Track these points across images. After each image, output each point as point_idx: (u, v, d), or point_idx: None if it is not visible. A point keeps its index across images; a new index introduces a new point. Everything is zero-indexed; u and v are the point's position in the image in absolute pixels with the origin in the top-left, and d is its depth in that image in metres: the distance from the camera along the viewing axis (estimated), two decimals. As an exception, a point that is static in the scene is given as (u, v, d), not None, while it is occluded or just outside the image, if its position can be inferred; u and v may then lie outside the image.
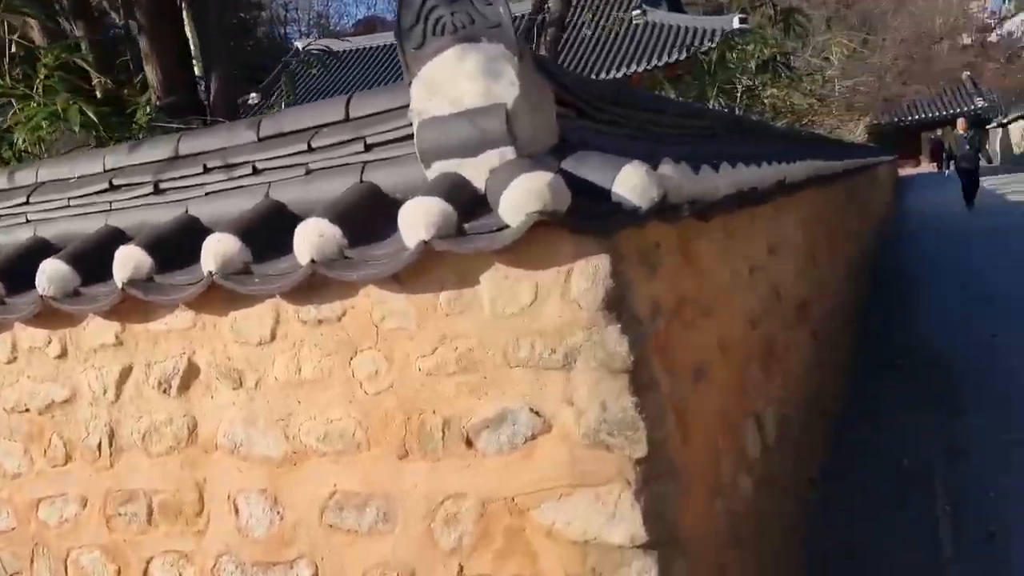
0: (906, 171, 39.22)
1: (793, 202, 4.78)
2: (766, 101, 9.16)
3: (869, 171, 13.58)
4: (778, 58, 8.03)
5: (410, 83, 2.02)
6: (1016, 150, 34.96)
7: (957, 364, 5.69)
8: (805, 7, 23.88)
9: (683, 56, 18.70)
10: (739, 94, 7.73)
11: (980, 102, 44.07)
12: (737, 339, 2.90)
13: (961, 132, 17.83)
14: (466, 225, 1.86)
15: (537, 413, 1.91)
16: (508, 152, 1.90)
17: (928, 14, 30.23)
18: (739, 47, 9.25)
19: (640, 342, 1.87)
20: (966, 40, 47.06)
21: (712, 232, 2.73)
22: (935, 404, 4.94)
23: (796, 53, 16.77)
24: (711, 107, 7.28)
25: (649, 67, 25.18)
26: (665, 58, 25.09)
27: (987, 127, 45.85)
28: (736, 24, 24.62)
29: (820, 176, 5.69)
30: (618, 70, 25.85)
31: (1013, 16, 76.28)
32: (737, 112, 7.42)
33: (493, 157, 1.91)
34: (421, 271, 1.97)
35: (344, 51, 33.25)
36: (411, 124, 2.02)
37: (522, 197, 1.75)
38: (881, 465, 4.10)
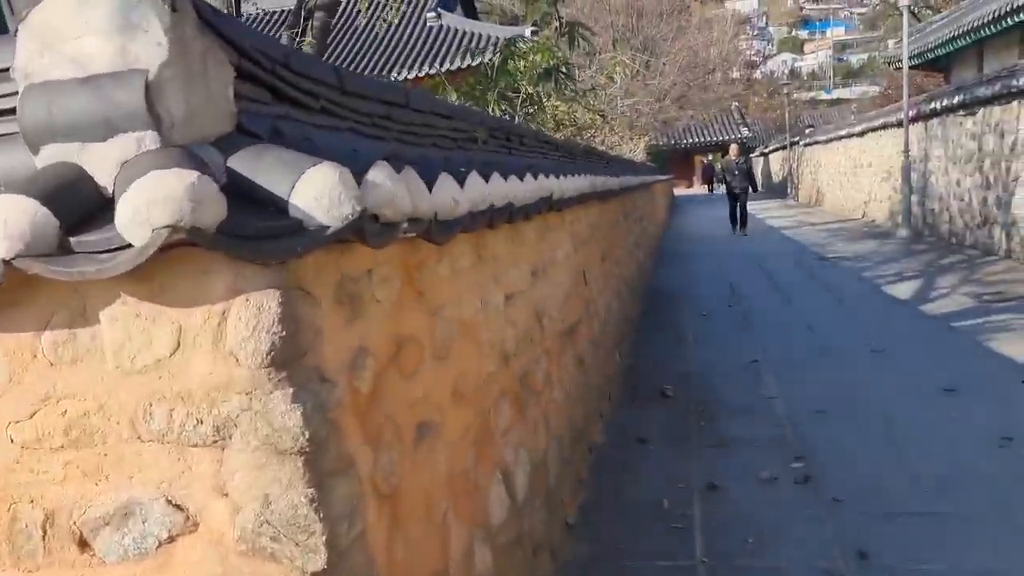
0: (680, 190, 41.74)
1: (565, 219, 4.49)
2: (548, 112, 8.99)
3: (647, 189, 13.97)
4: (561, 68, 7.84)
5: (15, 31, 1.41)
6: (775, 178, 38.06)
7: (721, 394, 5.66)
8: (594, 27, 24.59)
9: (474, 62, 18.52)
10: (520, 102, 7.47)
11: (745, 131, 47.89)
12: (483, 380, 2.48)
13: (733, 158, 18.40)
14: (73, 240, 1.28)
15: (177, 507, 1.37)
16: (149, 139, 1.34)
17: (703, 45, 32.20)
18: (523, 55, 9.04)
19: (324, 410, 1.37)
20: (735, 74, 51.02)
21: (456, 256, 2.29)
22: (701, 437, 4.82)
23: (582, 69, 17.10)
24: (487, 113, 6.98)
25: (440, 70, 24.90)
26: (457, 62, 24.93)
27: (750, 155, 49.88)
28: (527, 34, 25.15)
29: (597, 192, 5.49)
30: (409, 71, 25.40)
31: (775, 56, 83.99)
32: (514, 120, 7.16)
33: (128, 144, 1.35)
34: (11, 302, 1.36)
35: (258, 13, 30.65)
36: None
37: (146, 205, 1.19)
38: (641, 505, 3.86)
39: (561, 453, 3.62)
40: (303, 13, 6.13)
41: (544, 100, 9.40)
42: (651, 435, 4.85)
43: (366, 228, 1.43)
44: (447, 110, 3.07)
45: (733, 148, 19.07)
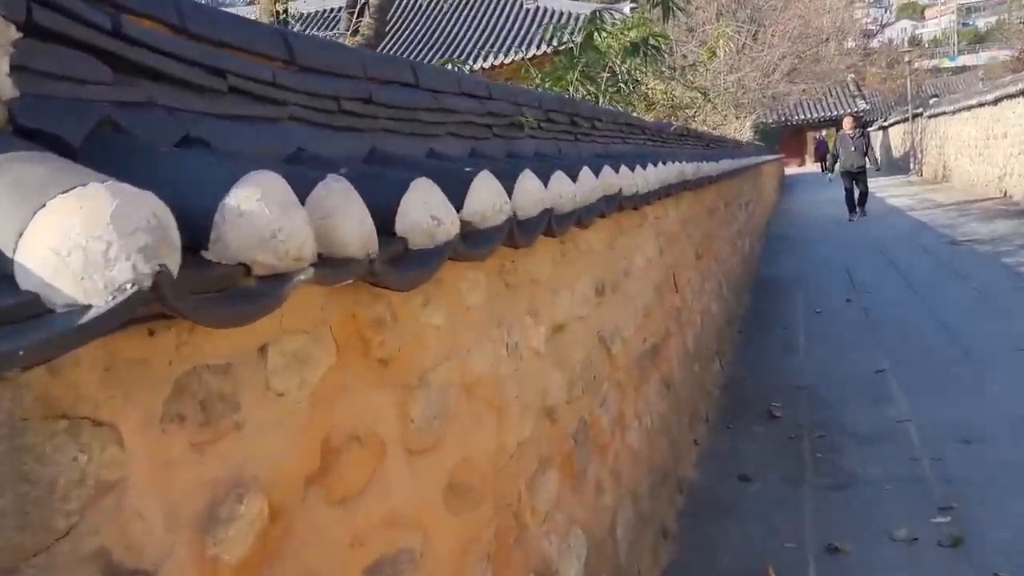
0: (791, 169, 39.74)
1: (647, 216, 3.75)
2: (640, 92, 8.18)
3: (753, 170, 12.93)
4: (649, 40, 7.03)
5: None
6: (895, 153, 35.71)
7: (840, 414, 4.81)
8: (697, 1, 23.40)
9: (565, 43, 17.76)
10: (605, 82, 6.71)
11: (862, 104, 45.19)
12: (509, 456, 1.81)
13: (848, 132, 16.03)
14: None
15: None
16: None
17: (815, 14, 30.30)
18: (614, 30, 8.26)
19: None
20: (850, 44, 48.24)
21: (457, 293, 1.63)
22: (817, 474, 4.01)
23: (682, 44, 16.07)
24: (570, 93, 6.26)
25: (539, 53, 24.22)
26: (554, 44, 24.02)
27: (867, 129, 47.11)
28: (627, 11, 24.10)
29: (689, 181, 4.70)
30: (505, 55, 24.81)
31: (893, 23, 79.46)
32: (599, 102, 6.41)
33: None
34: None
35: (308, 13, 31.18)
36: None
37: None
38: (741, 566, 3.12)
39: (637, 511, 2.92)
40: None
41: (637, 78, 8.60)
42: (754, 470, 4.07)
43: (177, 302, 0.77)
44: (477, 88, 2.40)
45: (847, 120, 16.53)
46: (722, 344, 6.00)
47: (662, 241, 4.10)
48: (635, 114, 7.61)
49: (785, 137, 42.60)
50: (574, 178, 2.26)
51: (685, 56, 13.71)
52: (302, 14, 31.11)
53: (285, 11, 4.96)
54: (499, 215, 1.60)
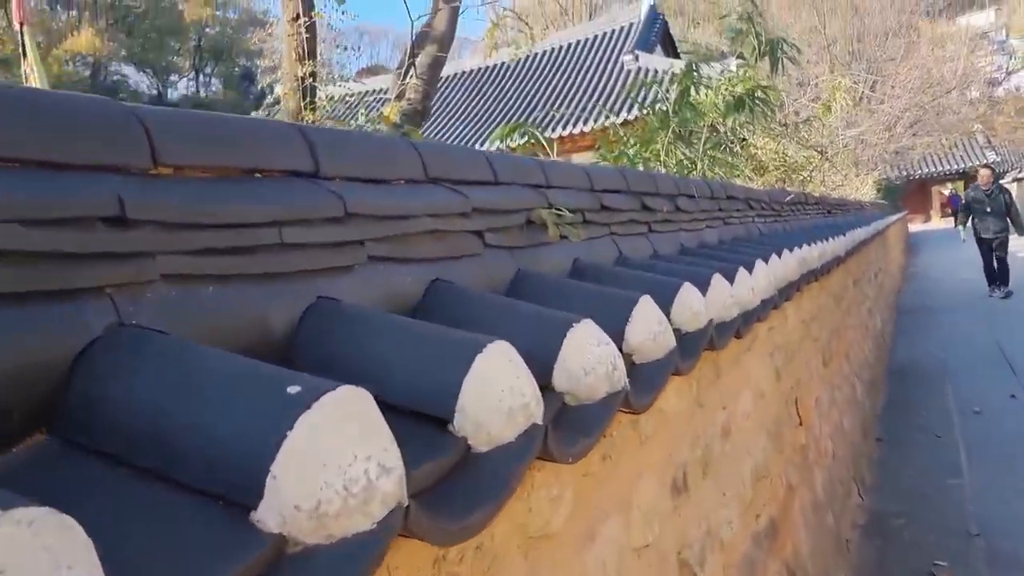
0: (915, 226, 37.21)
1: (757, 334, 2.69)
2: (746, 151, 7.11)
3: (880, 235, 11.52)
4: (755, 93, 6.00)
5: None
6: (1032, 207, 32.95)
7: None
8: (807, 52, 22.18)
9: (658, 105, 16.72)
10: (704, 142, 5.67)
11: (992, 156, 42.25)
12: None
13: (983, 187, 13.09)
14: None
15: None
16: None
17: (936, 65, 28.42)
18: (715, 85, 7.29)
19: None
20: (974, 93, 45.52)
21: None
22: None
23: (793, 99, 14.87)
24: (662, 160, 5.28)
25: (640, 114, 23.31)
26: (645, 105, 23.07)
27: (1001, 182, 44.03)
28: (734, 68, 22.97)
29: (814, 271, 3.60)
30: (606, 119, 24.03)
31: (1020, 71, 75.15)
32: (696, 168, 5.37)
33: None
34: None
35: (349, 94, 31.84)
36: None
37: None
38: None
39: None
40: (410, 52, 4.77)
41: (743, 136, 7.56)
42: None
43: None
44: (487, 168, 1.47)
45: (983, 173, 13.54)
46: (859, 466, 4.77)
47: (779, 359, 3.00)
48: (740, 180, 6.55)
49: (908, 192, 40.16)
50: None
51: (797, 112, 12.52)
52: (356, 93, 31.47)
53: (312, 92, 4.22)
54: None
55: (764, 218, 4.32)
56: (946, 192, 48.07)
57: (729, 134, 6.62)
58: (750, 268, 2.32)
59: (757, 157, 7.70)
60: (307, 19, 4.24)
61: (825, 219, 7.05)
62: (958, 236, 28.19)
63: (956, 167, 42.60)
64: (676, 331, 1.57)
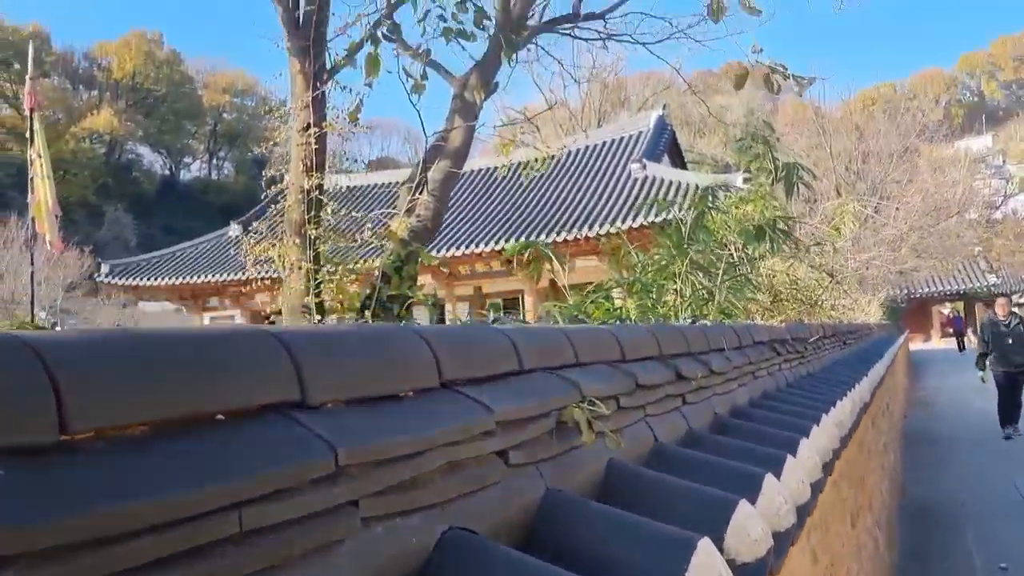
0: (916, 345, 36.95)
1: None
2: (756, 271, 6.91)
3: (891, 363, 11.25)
4: (778, 223, 5.83)
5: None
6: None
7: None
8: (815, 171, 22.38)
9: (671, 215, 16.71)
10: (721, 271, 5.45)
11: (992, 279, 42.41)
12: None
13: (1001, 316, 12.44)
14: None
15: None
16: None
17: (938, 188, 28.74)
18: (728, 206, 7.15)
19: None
20: (972, 215, 46.06)
21: None
22: None
23: (800, 219, 14.84)
24: (678, 288, 5.06)
25: (646, 223, 23.46)
26: (663, 215, 23.21)
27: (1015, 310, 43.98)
28: (740, 182, 23.13)
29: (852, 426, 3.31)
30: (612, 224, 24.09)
31: (1018, 194, 76.46)
32: (714, 299, 5.14)
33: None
34: None
35: (356, 186, 32.12)
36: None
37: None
38: None
39: None
40: (422, 166, 4.61)
41: (756, 259, 7.38)
42: None
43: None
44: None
45: (1000, 303, 12.99)
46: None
47: (814, 540, 2.69)
48: (754, 307, 6.33)
49: (909, 311, 40.12)
50: None
51: (804, 234, 12.44)
52: (366, 185, 31.59)
53: (319, 187, 4.04)
54: None
55: (789, 362, 4.06)
56: (946, 311, 48.08)
57: (743, 257, 6.44)
58: (794, 448, 2.05)
59: (770, 282, 7.49)
60: (317, 129, 4.10)
61: (842, 350, 6.80)
62: (961, 357, 27.76)
63: (957, 288, 42.73)
64: (730, 562, 1.29)
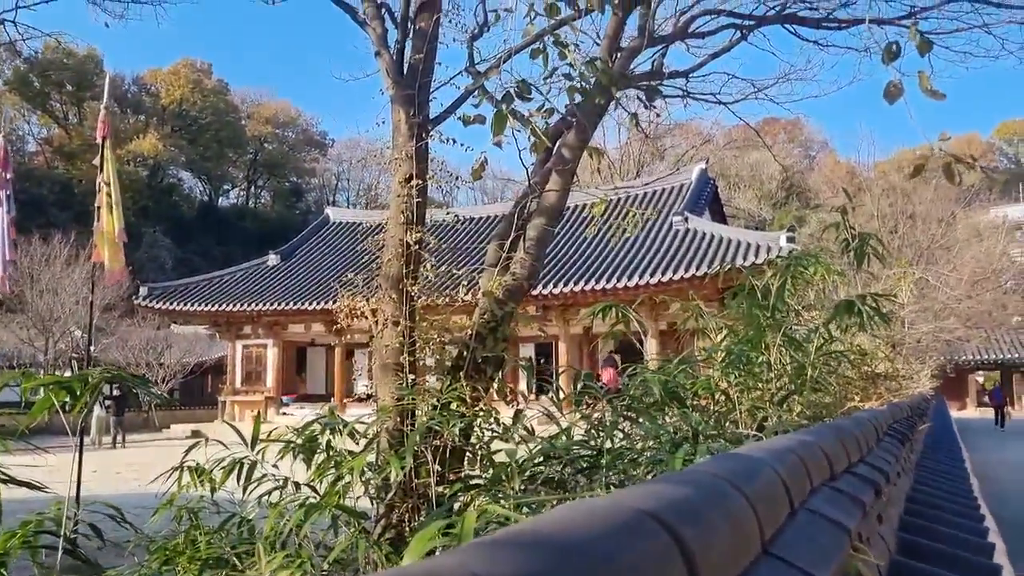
0: (952, 412, 36.09)
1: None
2: (843, 352, 6.67)
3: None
4: (867, 300, 5.61)
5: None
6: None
7: None
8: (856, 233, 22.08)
9: (724, 269, 16.43)
10: (815, 346, 5.24)
11: (1031, 350, 41.52)
12: None
13: None
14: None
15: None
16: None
17: (986, 257, 28.30)
18: (802, 273, 6.95)
19: None
20: (1008, 283, 45.25)
21: None
22: None
23: (847, 283, 14.55)
24: (771, 362, 4.87)
25: (686, 276, 23.25)
26: (704, 268, 23.06)
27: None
28: (783, 242, 22.92)
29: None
30: (652, 275, 23.92)
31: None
32: (808, 377, 4.93)
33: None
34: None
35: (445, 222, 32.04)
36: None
37: None
38: None
39: None
40: (517, 221, 4.48)
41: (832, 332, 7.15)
42: None
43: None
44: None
45: None
46: None
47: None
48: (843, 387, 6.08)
49: (946, 379, 39.35)
50: None
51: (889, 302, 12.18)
52: (458, 220, 31.60)
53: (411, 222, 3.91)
54: None
55: (899, 448, 3.85)
56: (980, 380, 47.02)
57: (820, 329, 6.22)
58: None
59: (860, 359, 7.25)
60: (420, 182, 3.99)
61: (921, 428, 6.55)
62: (994, 428, 26.87)
63: (994, 357, 41.87)
64: None
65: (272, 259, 33.49)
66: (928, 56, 7.22)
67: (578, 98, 3.58)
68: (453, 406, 3.61)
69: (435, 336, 3.84)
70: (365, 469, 3.44)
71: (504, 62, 3.83)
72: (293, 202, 78.87)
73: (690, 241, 26.51)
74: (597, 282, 24.55)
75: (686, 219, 27.50)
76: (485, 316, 4.00)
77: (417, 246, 3.84)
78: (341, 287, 4.29)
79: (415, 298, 3.80)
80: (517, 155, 3.82)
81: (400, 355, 3.72)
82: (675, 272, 24.13)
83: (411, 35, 4.38)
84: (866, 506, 1.56)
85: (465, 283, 4.41)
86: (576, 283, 24.86)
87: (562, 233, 26.99)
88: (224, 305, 29.81)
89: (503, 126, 3.06)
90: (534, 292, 25.52)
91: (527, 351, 29.01)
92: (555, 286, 25.10)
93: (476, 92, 3.84)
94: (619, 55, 5.18)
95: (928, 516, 2.49)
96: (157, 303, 30.34)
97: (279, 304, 28.38)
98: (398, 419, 3.68)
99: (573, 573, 0.60)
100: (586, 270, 25.49)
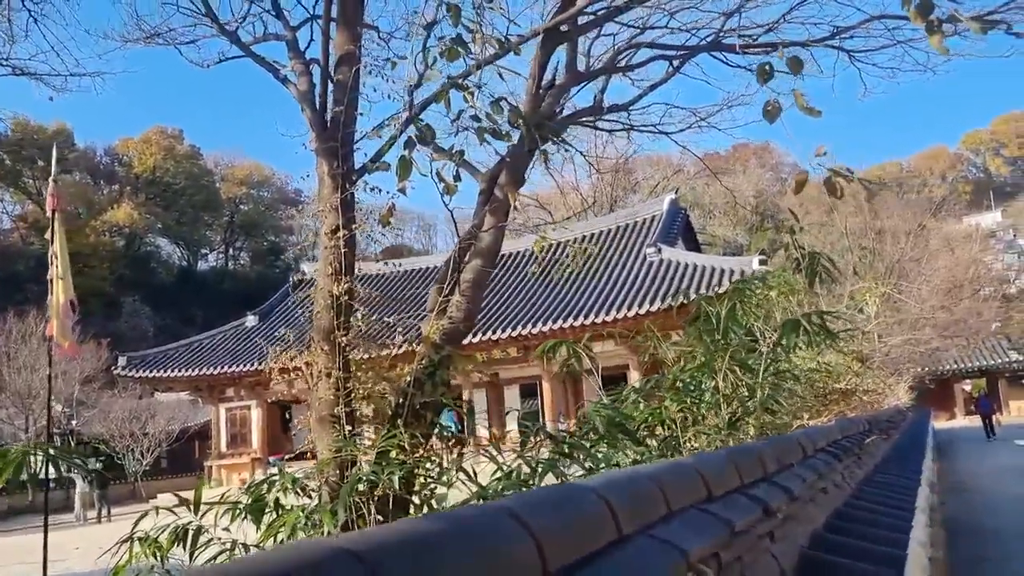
0: (940, 423, 36.07)
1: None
2: (790, 366, 6.68)
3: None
4: (813, 317, 5.63)
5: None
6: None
7: None
8: (829, 251, 22.26)
9: (690, 298, 16.46)
10: (762, 368, 5.24)
11: (1015, 355, 41.66)
12: None
13: None
14: None
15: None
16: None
17: (958, 266, 28.59)
18: (754, 294, 6.97)
19: None
20: (986, 291, 45.62)
21: None
22: None
23: (822, 304, 14.64)
24: (718, 384, 4.86)
25: (663, 307, 23.27)
26: (680, 299, 22.88)
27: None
28: (755, 265, 23.04)
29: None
30: (629, 309, 23.93)
31: (1031, 268, 76.12)
32: (755, 396, 4.93)
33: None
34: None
35: (369, 274, 32.29)
36: None
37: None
38: None
39: None
40: (453, 264, 4.48)
41: (788, 350, 7.16)
42: None
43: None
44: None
45: None
46: None
47: None
48: (796, 406, 6.09)
49: (930, 390, 39.38)
50: None
51: (833, 319, 12.24)
52: (379, 275, 31.51)
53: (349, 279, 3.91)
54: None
55: (847, 466, 3.84)
56: (967, 388, 47.10)
57: (777, 350, 6.24)
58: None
59: (809, 376, 7.26)
60: (346, 232, 3.99)
61: (886, 443, 6.54)
62: (985, 438, 26.79)
63: (980, 364, 42.02)
64: None
65: (250, 320, 33.33)
66: (860, 74, 7.29)
67: (494, 139, 3.62)
68: (393, 454, 3.58)
69: (371, 385, 3.82)
70: (304, 525, 3.39)
71: (420, 112, 3.86)
72: (272, 261, 78.73)
73: (664, 271, 26.61)
74: (575, 319, 24.53)
75: (659, 250, 27.64)
76: (423, 362, 3.99)
77: (347, 296, 3.84)
78: (270, 346, 4.28)
79: (348, 349, 3.79)
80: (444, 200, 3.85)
81: (335, 406, 3.70)
82: (651, 304, 24.17)
83: (332, 88, 4.44)
84: (732, 527, 1.54)
85: (402, 332, 4.40)
86: (554, 321, 24.86)
87: (530, 275, 27.02)
88: (204, 369, 29.58)
89: (407, 172, 3.07)
90: (513, 333, 25.42)
91: (512, 392, 28.95)
92: (533, 326, 25.09)
93: (396, 139, 3.88)
94: (549, 94, 5.24)
95: (847, 531, 2.47)
96: (137, 372, 30.07)
97: (259, 364, 28.19)
98: (337, 472, 3.64)
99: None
100: (563, 308, 25.50)
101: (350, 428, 3.72)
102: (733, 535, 1.56)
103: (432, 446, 4.01)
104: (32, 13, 8.47)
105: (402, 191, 3.18)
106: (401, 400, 3.88)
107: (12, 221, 67.51)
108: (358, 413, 3.87)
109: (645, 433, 4.64)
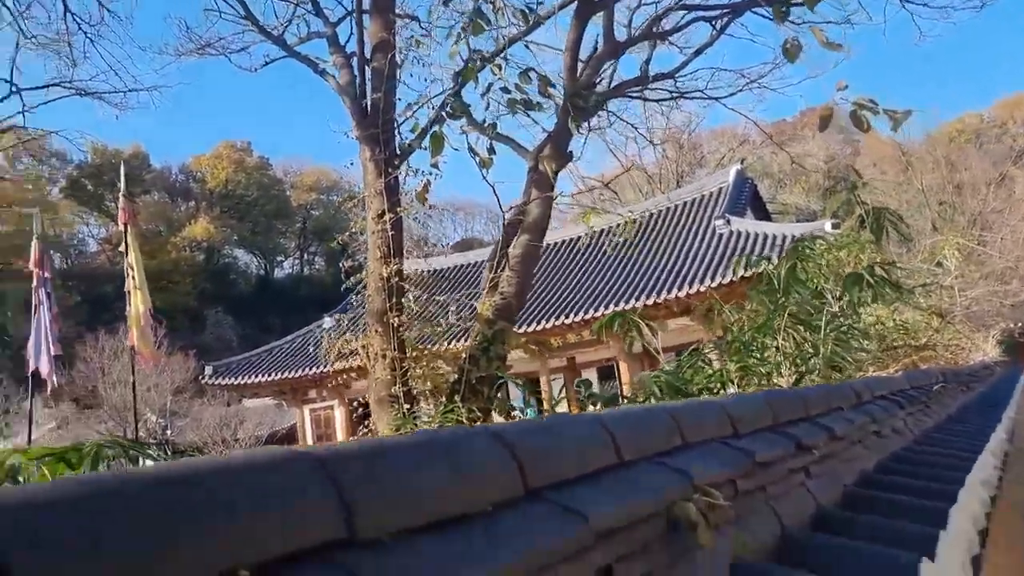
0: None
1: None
2: (862, 322, 6.51)
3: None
4: (876, 269, 5.47)
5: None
6: None
7: None
8: (906, 209, 21.52)
9: (760, 269, 16.08)
10: (824, 324, 5.10)
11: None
12: None
13: None
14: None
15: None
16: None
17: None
18: (819, 254, 6.83)
19: None
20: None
21: None
22: None
23: (898, 261, 14.17)
24: (779, 344, 4.75)
25: (735, 279, 22.82)
26: (743, 262, 22.45)
27: None
28: (828, 228, 22.40)
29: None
30: (701, 283, 23.57)
31: None
32: (820, 353, 4.80)
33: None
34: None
35: (442, 268, 32.64)
36: None
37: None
38: None
39: None
40: (503, 241, 4.51)
41: (857, 307, 6.98)
42: None
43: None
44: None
45: None
46: None
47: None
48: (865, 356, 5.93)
49: (1022, 343, 37.68)
50: None
51: (912, 274, 11.85)
52: (452, 267, 31.67)
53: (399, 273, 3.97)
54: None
55: (913, 415, 3.73)
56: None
57: (842, 307, 6.08)
58: (943, 520, 1.78)
59: (879, 331, 7.06)
60: (392, 215, 4.05)
61: (966, 395, 6.31)
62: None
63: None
64: None
65: (327, 321, 34.02)
66: (912, 17, 7.01)
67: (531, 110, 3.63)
68: (451, 430, 3.61)
69: (426, 363, 3.88)
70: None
71: (460, 88, 3.89)
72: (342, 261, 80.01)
73: (735, 242, 26.11)
74: (648, 297, 24.27)
75: (728, 221, 27.13)
76: (478, 338, 4.02)
77: (397, 278, 3.91)
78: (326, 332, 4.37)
79: (401, 329, 3.85)
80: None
81: (392, 386, 3.77)
82: (724, 276, 23.74)
83: (369, 76, 4.51)
84: (754, 457, 1.53)
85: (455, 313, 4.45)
86: (626, 301, 24.64)
87: (608, 256, 26.86)
88: (287, 373, 30.34)
89: (440, 147, 3.10)
90: (585, 316, 25.30)
91: (590, 375, 28.84)
92: (605, 307, 24.92)
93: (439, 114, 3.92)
94: (588, 65, 5.21)
95: (902, 472, 2.41)
96: (223, 379, 31.04)
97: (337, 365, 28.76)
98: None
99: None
100: (636, 287, 25.28)
101: (408, 406, 3.79)
102: (756, 465, 1.55)
103: (491, 421, 4.05)
104: (88, 35, 8.80)
105: (435, 166, 3.23)
106: (458, 376, 3.93)
107: (98, 244, 70.36)
108: (415, 391, 3.93)
109: (706, 396, 4.59)
